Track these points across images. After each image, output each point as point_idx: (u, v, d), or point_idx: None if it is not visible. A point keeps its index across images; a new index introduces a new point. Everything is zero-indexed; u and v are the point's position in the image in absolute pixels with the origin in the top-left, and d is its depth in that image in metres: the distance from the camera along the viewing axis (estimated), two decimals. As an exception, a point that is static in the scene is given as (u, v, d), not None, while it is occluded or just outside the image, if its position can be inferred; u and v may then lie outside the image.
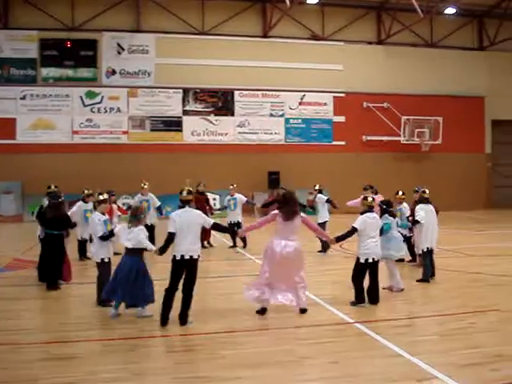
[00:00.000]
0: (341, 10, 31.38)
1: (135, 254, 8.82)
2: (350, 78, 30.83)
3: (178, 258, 8.20)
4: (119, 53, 29.02)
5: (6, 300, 10.24)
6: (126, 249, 8.88)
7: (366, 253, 9.58)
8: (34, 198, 25.16)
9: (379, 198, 14.66)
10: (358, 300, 9.53)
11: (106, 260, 9.59)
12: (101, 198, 9.85)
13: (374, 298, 9.63)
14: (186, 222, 8.32)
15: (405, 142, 31.44)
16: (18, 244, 17.22)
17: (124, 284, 8.66)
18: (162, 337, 7.89)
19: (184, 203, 8.65)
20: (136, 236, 8.77)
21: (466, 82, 32.53)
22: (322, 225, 15.94)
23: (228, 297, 9.35)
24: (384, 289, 10.28)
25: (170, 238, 8.26)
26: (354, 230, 9.66)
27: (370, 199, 9.99)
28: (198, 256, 8.33)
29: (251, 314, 8.86)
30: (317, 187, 16.79)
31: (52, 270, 10.93)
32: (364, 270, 9.65)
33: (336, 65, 30.80)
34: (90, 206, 14.53)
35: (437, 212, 12.30)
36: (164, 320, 8.21)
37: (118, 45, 29.00)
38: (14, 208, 27.42)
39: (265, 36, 30.43)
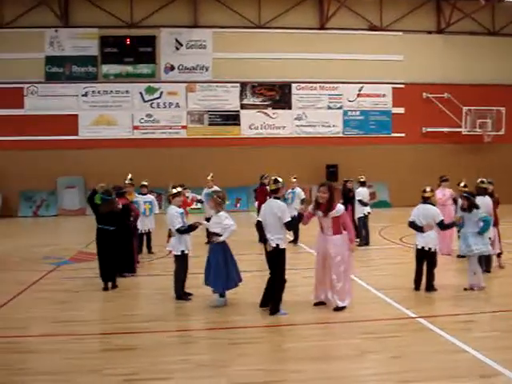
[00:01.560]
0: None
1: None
2: (410, 68, 30.28)
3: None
4: (177, 48, 29.32)
5: (70, 292, 10.50)
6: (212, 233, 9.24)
7: (416, 241, 10.07)
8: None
9: (448, 191, 14.40)
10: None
11: (186, 252, 9.70)
12: (175, 191, 9.90)
13: (426, 286, 9.95)
14: (265, 211, 8.74)
15: (466, 133, 30.68)
16: (82, 237, 17.64)
17: (230, 269, 9.06)
18: (224, 329, 7.95)
19: (271, 193, 8.98)
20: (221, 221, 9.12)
21: (530, 71, 31.52)
22: (359, 220, 15.71)
23: (290, 290, 9.34)
24: (465, 289, 10.05)
25: (256, 225, 8.81)
26: (409, 223, 10.08)
27: (427, 190, 10.25)
28: (277, 245, 8.51)
29: (313, 308, 8.85)
30: (362, 179, 16.27)
31: (110, 268, 10.73)
32: (417, 256, 10.04)
33: (395, 55, 30.29)
34: (147, 197, 14.80)
35: (498, 203, 12.02)
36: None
37: (176, 40, 29.30)
38: (77, 202, 28.10)
39: (322, 28, 30.18)
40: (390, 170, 29.23)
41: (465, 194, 10.35)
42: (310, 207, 8.93)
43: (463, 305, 9.12)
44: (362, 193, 15.88)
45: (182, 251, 9.62)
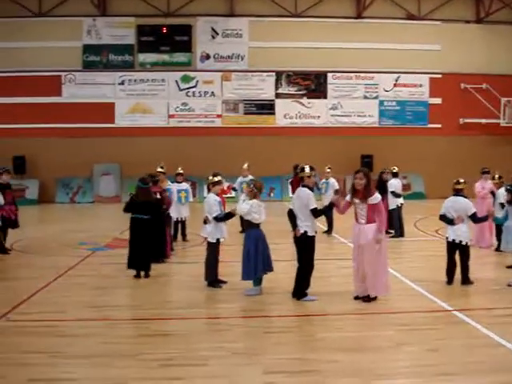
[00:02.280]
0: (438, -12, 30.37)
1: (254, 225, 9.22)
2: (447, 58, 29.78)
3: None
4: (213, 37, 29.33)
5: (107, 277, 10.65)
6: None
7: (447, 234, 9.92)
8: (132, 180, 25.94)
9: (488, 184, 14.04)
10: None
11: (222, 240, 9.78)
12: (215, 179, 10.00)
13: (462, 279, 9.79)
14: (295, 199, 8.93)
15: (504, 125, 30.12)
16: (117, 224, 17.76)
17: (259, 257, 9.06)
18: (259, 317, 7.97)
19: (300, 180, 9.10)
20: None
21: None
22: (393, 212, 15.50)
23: (324, 280, 9.35)
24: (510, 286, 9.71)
25: (288, 213, 9.00)
26: (440, 217, 9.98)
27: (460, 182, 10.00)
28: (305, 232, 8.60)
29: (347, 298, 8.81)
30: (395, 170, 16.07)
31: (143, 256, 10.68)
32: (448, 249, 9.87)
33: (433, 45, 29.80)
34: (183, 185, 14.88)
35: None
36: None
37: (212, 29, 29.30)
38: (113, 189, 28.42)
39: (359, 17, 29.86)
40: (425, 161, 28.87)
41: (508, 187, 10.12)
42: (348, 196, 8.87)
43: (500, 299, 8.97)
44: (394, 184, 15.71)
45: (218, 239, 9.67)
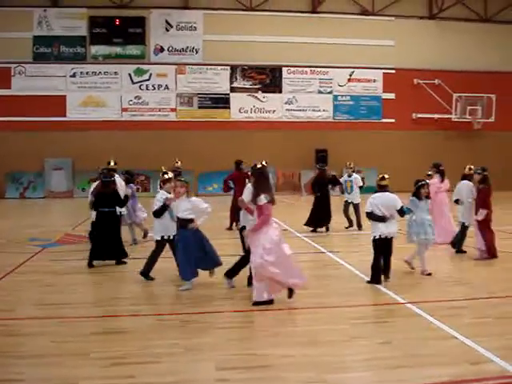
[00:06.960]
0: (392, -16, 30.68)
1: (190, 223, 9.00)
2: (401, 54, 30.22)
3: None
4: (167, 30, 29.10)
5: (57, 274, 10.43)
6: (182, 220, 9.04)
7: (374, 231, 9.56)
8: (84, 175, 25.60)
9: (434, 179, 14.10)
10: (373, 279, 9.42)
11: (166, 238, 9.53)
12: (166, 177, 9.75)
13: (386, 274, 9.64)
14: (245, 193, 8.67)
15: (456, 120, 30.76)
16: (69, 219, 17.54)
17: (197, 255, 8.95)
18: (214, 313, 7.90)
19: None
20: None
21: (521, 58, 31.52)
22: (357, 206, 16.23)
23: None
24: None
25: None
26: (367, 215, 9.65)
27: (383, 178, 9.82)
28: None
29: (302, 293, 8.79)
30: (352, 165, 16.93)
31: (108, 247, 10.97)
32: (376, 248, 9.56)
33: (386, 40, 30.22)
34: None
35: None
36: None
37: (166, 22, 29.06)
38: (65, 184, 28.00)
39: (314, 11, 30.00)
40: (379, 155, 29.25)
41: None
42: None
43: (453, 291, 9.10)
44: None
45: (162, 236, 9.52)
